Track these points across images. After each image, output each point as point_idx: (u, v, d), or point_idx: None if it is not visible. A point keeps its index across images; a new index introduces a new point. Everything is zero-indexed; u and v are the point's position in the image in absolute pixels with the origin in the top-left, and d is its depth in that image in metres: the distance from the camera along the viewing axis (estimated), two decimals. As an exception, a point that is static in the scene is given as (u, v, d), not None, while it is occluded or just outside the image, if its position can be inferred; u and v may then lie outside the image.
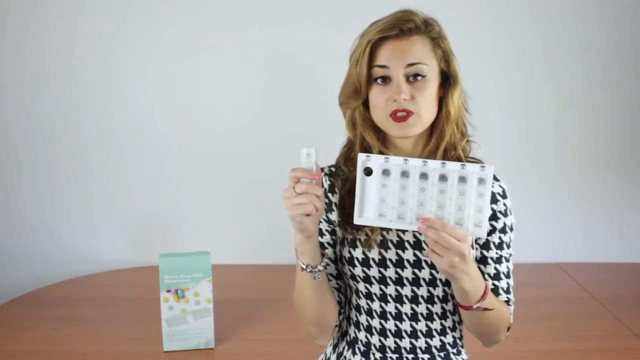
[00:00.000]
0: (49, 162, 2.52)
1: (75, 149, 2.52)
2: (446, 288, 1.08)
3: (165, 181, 2.56)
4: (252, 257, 2.60)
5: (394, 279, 1.08)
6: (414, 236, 1.07)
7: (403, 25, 1.00)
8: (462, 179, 0.96)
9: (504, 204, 1.10)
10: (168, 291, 1.81)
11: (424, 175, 0.97)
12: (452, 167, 0.96)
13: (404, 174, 0.98)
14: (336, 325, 1.16)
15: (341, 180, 1.11)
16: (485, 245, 1.10)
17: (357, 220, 0.99)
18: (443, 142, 1.06)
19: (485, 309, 1.02)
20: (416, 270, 1.07)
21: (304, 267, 1.03)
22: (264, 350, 1.84)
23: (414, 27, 1.01)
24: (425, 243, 0.99)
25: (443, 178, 0.97)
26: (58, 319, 2.05)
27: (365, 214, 0.99)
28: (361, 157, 0.98)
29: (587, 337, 1.91)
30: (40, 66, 2.46)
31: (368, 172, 0.98)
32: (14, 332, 1.95)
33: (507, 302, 1.11)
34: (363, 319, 1.12)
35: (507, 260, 1.12)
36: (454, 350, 1.13)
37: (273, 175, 2.53)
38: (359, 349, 1.13)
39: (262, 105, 2.52)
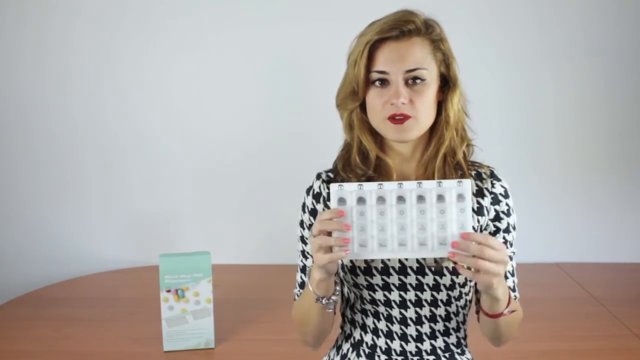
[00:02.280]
0: (49, 163, 2.53)
1: (75, 150, 2.53)
2: (450, 292, 1.07)
3: (166, 181, 2.56)
4: (252, 257, 2.60)
5: (397, 285, 1.07)
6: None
7: (403, 27, 0.98)
8: (441, 198, 0.95)
9: (507, 204, 1.10)
10: (168, 291, 1.81)
11: (401, 199, 0.95)
12: (429, 186, 0.95)
13: (380, 200, 0.95)
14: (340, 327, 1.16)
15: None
16: None
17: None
18: (443, 147, 1.04)
19: (512, 311, 1.02)
20: (420, 277, 1.07)
21: (318, 298, 1.02)
22: (264, 350, 1.84)
23: (414, 29, 0.99)
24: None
25: (421, 199, 0.95)
26: (58, 319, 2.05)
27: (348, 247, 0.95)
28: (334, 188, 0.96)
29: (587, 337, 1.90)
30: (38, 67, 2.47)
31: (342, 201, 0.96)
32: (14, 332, 1.95)
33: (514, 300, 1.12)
34: (370, 321, 1.11)
35: (511, 259, 1.12)
36: (459, 350, 1.13)
37: (273, 175, 2.55)
38: (363, 351, 1.12)
39: (261, 106, 2.52)
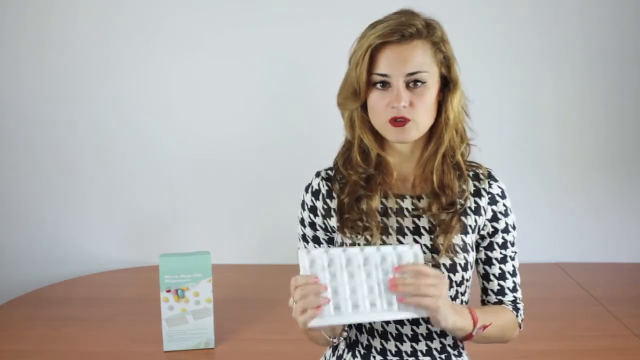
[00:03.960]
0: (48, 163, 2.52)
1: (74, 149, 2.52)
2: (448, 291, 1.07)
3: (165, 181, 2.56)
4: (252, 257, 2.60)
5: None
6: (414, 240, 1.07)
7: (404, 30, 0.98)
8: (400, 259, 0.98)
9: (504, 204, 1.11)
10: (168, 291, 1.81)
11: (366, 260, 0.98)
12: (386, 251, 0.98)
13: (349, 262, 0.97)
14: None
15: (339, 184, 1.10)
16: (489, 247, 1.11)
17: (315, 321, 0.93)
18: (442, 147, 1.05)
19: (485, 327, 1.02)
20: None
21: (327, 338, 1.05)
22: (264, 350, 1.84)
23: (415, 32, 0.99)
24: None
25: (384, 260, 0.97)
26: (58, 319, 2.05)
27: (324, 312, 0.94)
28: (302, 254, 0.97)
29: (587, 337, 1.90)
30: (38, 67, 2.47)
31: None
32: (14, 332, 1.95)
33: (515, 300, 1.13)
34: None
35: (513, 258, 1.13)
36: (455, 352, 1.13)
37: (273, 175, 2.56)
38: (359, 351, 1.12)
39: (261, 106, 2.52)
